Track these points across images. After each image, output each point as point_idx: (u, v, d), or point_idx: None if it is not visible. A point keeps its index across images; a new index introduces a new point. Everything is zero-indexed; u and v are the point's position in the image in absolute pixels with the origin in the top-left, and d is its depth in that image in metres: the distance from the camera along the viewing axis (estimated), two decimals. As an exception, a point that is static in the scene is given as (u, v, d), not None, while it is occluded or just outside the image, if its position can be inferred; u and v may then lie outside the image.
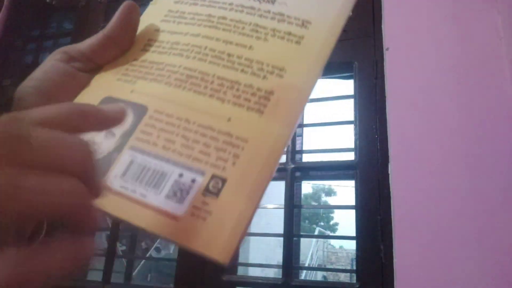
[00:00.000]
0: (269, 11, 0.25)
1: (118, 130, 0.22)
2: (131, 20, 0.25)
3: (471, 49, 0.87)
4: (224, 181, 0.19)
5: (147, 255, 4.54)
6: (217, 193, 0.19)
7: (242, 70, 0.23)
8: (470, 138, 0.82)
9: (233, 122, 0.21)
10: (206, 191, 0.19)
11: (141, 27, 0.26)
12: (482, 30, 0.88)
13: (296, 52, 0.23)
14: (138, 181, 0.20)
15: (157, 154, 0.20)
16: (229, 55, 0.23)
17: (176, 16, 0.26)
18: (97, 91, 0.24)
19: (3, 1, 1.47)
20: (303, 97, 0.22)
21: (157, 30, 0.26)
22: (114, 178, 0.20)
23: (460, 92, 0.85)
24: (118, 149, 0.21)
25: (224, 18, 0.25)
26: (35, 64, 1.39)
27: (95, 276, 1.34)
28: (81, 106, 0.18)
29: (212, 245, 0.17)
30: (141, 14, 0.27)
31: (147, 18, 0.27)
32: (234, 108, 0.21)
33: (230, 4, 0.26)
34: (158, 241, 4.98)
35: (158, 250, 4.91)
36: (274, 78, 0.22)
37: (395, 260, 0.80)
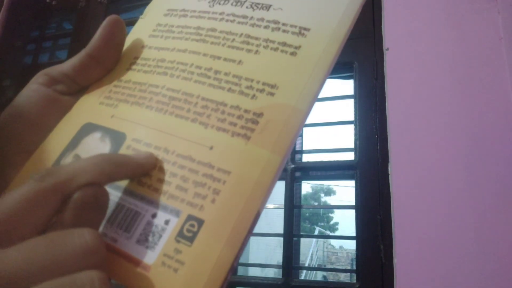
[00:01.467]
0: (262, 19, 0.22)
1: None
2: (115, 37, 0.23)
3: (471, 49, 0.87)
4: (201, 223, 0.17)
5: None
6: (191, 239, 0.16)
7: (230, 89, 0.20)
8: (470, 138, 0.82)
9: (215, 151, 0.18)
10: (180, 235, 0.17)
11: (128, 43, 0.25)
12: (482, 30, 0.88)
13: (290, 65, 0.20)
14: (110, 222, 0.18)
15: (131, 192, 0.18)
16: (216, 72, 0.21)
17: (164, 30, 0.24)
18: (78, 117, 0.22)
19: (3, 1, 1.47)
20: (298, 118, 0.19)
21: (144, 47, 0.24)
22: None
23: (460, 92, 0.85)
24: None
25: (213, 30, 0.23)
26: (35, 64, 1.39)
27: (95, 276, 1.34)
28: (112, 156, 0.18)
29: None
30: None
31: (135, 34, 0.25)
32: (218, 134, 0.19)
33: (221, 13, 0.23)
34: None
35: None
36: (264, 97, 0.19)
37: (395, 260, 0.80)
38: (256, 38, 0.22)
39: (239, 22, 0.23)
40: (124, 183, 0.19)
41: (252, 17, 0.22)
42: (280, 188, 0.94)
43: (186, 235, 0.16)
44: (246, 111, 0.19)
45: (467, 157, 0.81)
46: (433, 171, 0.82)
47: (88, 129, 0.21)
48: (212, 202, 0.17)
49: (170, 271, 0.16)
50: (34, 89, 0.22)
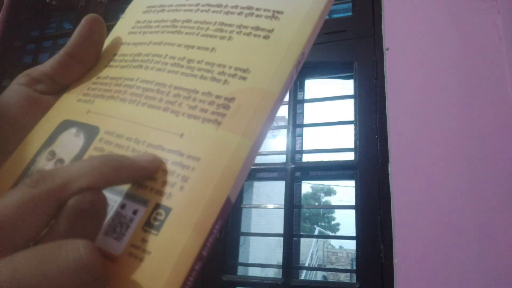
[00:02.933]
0: (236, 6, 0.22)
1: (68, 156, 0.20)
2: (94, 35, 0.23)
3: (471, 49, 0.87)
4: (168, 211, 0.16)
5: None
6: (158, 227, 0.16)
7: (202, 76, 0.20)
8: (470, 138, 0.82)
9: (185, 138, 0.18)
10: (147, 225, 0.16)
11: (108, 41, 0.25)
12: (482, 30, 0.88)
13: (263, 49, 0.20)
14: None
15: None
16: (189, 61, 0.21)
17: (142, 26, 0.25)
18: (56, 115, 0.22)
19: (3, 1, 1.47)
20: (270, 101, 0.18)
21: (123, 43, 0.24)
22: None
23: (460, 92, 0.85)
24: None
25: (188, 21, 0.23)
26: (35, 64, 1.39)
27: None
28: (111, 159, 0.17)
29: None
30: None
31: (116, 33, 0.25)
32: (189, 121, 0.18)
33: (197, 5, 0.23)
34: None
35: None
36: (236, 82, 0.19)
37: (395, 260, 0.80)
38: (230, 25, 0.21)
39: (213, 11, 0.22)
40: None
41: (226, 5, 0.22)
42: (280, 188, 0.94)
43: (153, 224, 0.16)
44: (217, 96, 0.19)
45: (467, 157, 0.81)
46: (433, 170, 0.82)
47: (65, 126, 0.21)
48: (180, 190, 0.17)
49: (136, 261, 0.16)
50: (14, 89, 0.22)
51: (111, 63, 0.23)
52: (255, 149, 0.18)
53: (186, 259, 0.15)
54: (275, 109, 0.19)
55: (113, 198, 0.18)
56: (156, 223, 0.16)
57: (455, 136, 0.83)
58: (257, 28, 0.21)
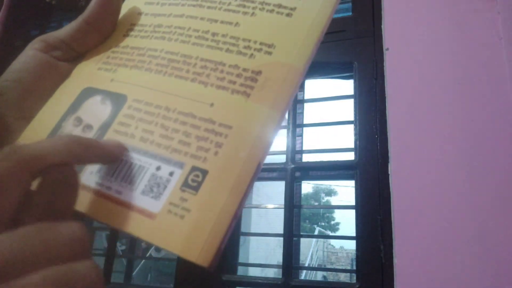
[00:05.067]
0: None
1: (96, 123, 0.20)
2: (111, 4, 0.23)
3: (471, 49, 0.87)
4: (205, 173, 0.17)
5: (147, 255, 4.54)
6: (196, 188, 0.17)
7: (227, 50, 0.21)
8: (470, 138, 0.81)
9: (216, 108, 0.19)
10: (185, 185, 0.17)
11: (124, 11, 0.25)
12: (482, 30, 0.88)
13: (287, 25, 0.21)
14: (114, 177, 0.18)
15: (134, 147, 0.19)
16: (213, 34, 0.21)
17: None
18: (77, 82, 0.22)
19: (3, 1, 1.47)
20: (295, 75, 0.19)
21: (140, 14, 0.25)
22: (89, 174, 0.19)
23: (460, 92, 0.85)
24: None
25: None
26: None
27: (95, 276, 1.34)
28: (81, 138, 0.17)
29: (190, 246, 0.16)
30: None
31: (131, 2, 0.26)
32: (218, 92, 0.19)
33: None
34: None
35: (158, 249, 4.91)
36: (262, 56, 0.20)
37: (395, 260, 0.80)
38: (252, 1, 0.22)
39: None
40: (126, 139, 0.19)
41: None
42: (280, 188, 0.94)
43: (191, 185, 0.17)
44: (244, 69, 0.20)
45: (467, 157, 0.81)
46: (433, 171, 0.82)
47: (88, 93, 0.22)
48: (215, 155, 0.17)
49: (177, 218, 0.16)
50: (31, 54, 0.22)
51: (130, 33, 0.24)
52: (281, 120, 0.19)
53: (225, 218, 0.16)
54: (299, 83, 0.20)
55: (148, 161, 0.18)
56: (194, 184, 0.17)
57: (455, 136, 0.83)
58: (280, 6, 0.21)
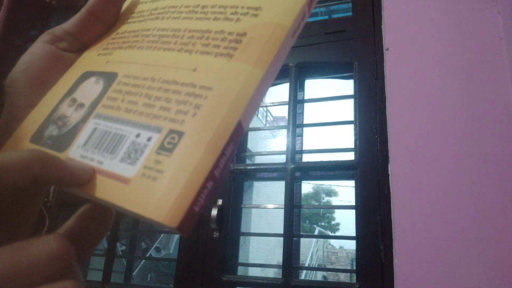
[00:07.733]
0: None
1: (87, 101, 0.21)
2: None
3: (471, 49, 0.87)
4: (181, 135, 0.17)
5: (147, 255, 4.54)
6: (171, 149, 0.17)
7: (215, 18, 0.21)
8: (470, 138, 0.81)
9: (198, 72, 0.19)
10: (161, 148, 0.17)
11: (128, 2, 0.26)
12: (482, 30, 0.88)
13: None
14: (97, 148, 0.18)
15: (118, 118, 0.19)
16: (203, 7, 0.22)
17: None
18: (78, 69, 0.23)
19: (3, 1, 1.47)
20: (282, 33, 0.19)
21: (141, 3, 0.26)
22: (76, 148, 0.19)
23: (460, 92, 0.85)
24: (84, 119, 0.20)
25: None
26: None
27: (95, 276, 1.34)
28: (44, 156, 0.16)
29: (160, 208, 0.15)
30: None
31: None
32: (202, 57, 0.19)
33: None
34: (158, 241, 4.98)
35: (158, 250, 4.91)
36: (248, 19, 0.20)
37: (395, 260, 0.80)
38: None
39: None
40: (112, 112, 0.19)
41: None
42: (280, 188, 0.94)
43: (167, 147, 0.17)
44: (229, 33, 0.20)
45: (467, 157, 0.81)
46: (433, 171, 0.82)
47: (85, 76, 0.23)
48: (193, 116, 0.17)
49: (149, 180, 0.16)
50: (38, 46, 0.23)
51: (129, 20, 0.25)
52: (267, 79, 0.18)
53: (198, 176, 0.16)
54: (288, 42, 0.19)
55: (129, 129, 0.18)
56: (169, 146, 0.17)
57: (455, 136, 0.83)
58: None
